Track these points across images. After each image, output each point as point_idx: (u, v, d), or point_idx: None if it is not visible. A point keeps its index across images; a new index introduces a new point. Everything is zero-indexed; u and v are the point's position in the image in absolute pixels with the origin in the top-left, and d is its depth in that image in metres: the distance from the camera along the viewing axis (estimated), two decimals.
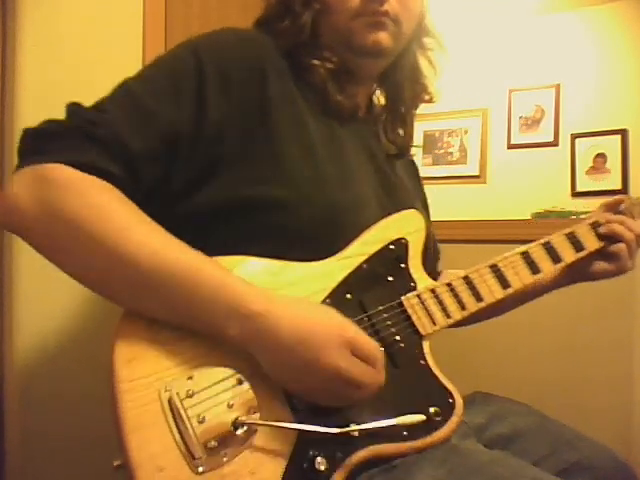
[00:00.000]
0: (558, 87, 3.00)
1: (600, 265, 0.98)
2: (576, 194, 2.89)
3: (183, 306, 0.65)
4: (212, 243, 0.70)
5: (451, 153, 3.23)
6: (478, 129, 3.19)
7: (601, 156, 2.87)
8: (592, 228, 0.96)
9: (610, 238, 0.96)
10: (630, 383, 1.63)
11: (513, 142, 3.11)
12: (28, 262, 1.10)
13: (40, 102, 1.10)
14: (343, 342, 0.65)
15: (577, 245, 0.94)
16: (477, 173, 3.16)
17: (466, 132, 3.22)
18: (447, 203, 3.13)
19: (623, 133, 2.81)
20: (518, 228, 1.67)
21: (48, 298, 1.12)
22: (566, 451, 0.85)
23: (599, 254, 0.97)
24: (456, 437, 0.82)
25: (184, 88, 0.73)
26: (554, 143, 3.00)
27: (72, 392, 1.14)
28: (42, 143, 0.68)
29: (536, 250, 0.91)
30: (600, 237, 0.96)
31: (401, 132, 0.96)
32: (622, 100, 2.83)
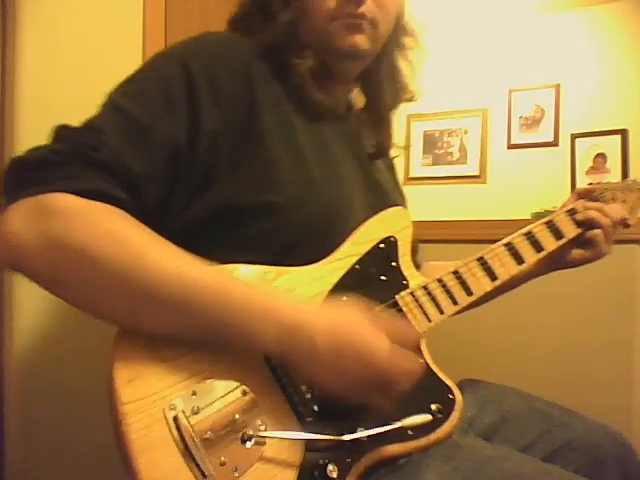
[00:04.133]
0: (558, 87, 3.00)
1: (577, 252, 0.98)
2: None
3: (211, 323, 0.63)
4: (205, 253, 0.68)
5: (451, 153, 3.23)
6: (478, 129, 3.19)
7: (601, 156, 2.87)
8: (569, 215, 0.97)
9: (586, 224, 0.96)
10: (630, 383, 1.62)
11: (513, 142, 3.11)
12: None
13: (40, 102, 1.10)
14: (380, 331, 0.65)
15: (557, 233, 0.95)
16: (477, 173, 3.16)
17: (466, 132, 3.22)
18: (447, 203, 3.14)
19: (623, 133, 2.81)
20: (518, 228, 1.67)
21: (48, 294, 1.12)
22: (559, 430, 0.85)
23: (576, 241, 0.97)
24: (457, 433, 0.83)
25: (176, 102, 0.71)
26: (554, 143, 3.00)
27: (71, 387, 1.13)
28: (38, 173, 0.63)
29: (519, 241, 0.91)
30: (577, 224, 0.96)
31: (380, 132, 0.95)
32: (622, 100, 2.83)
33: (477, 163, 3.17)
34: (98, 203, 0.63)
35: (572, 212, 0.97)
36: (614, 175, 2.84)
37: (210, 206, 0.73)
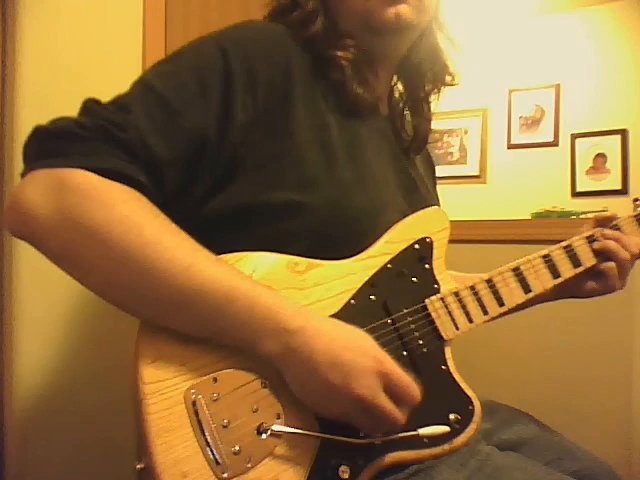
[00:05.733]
0: (558, 87, 3.00)
1: (588, 284, 0.93)
2: (576, 194, 2.89)
3: (214, 322, 0.63)
4: (228, 248, 0.67)
5: (451, 153, 3.24)
6: (478, 129, 3.19)
7: (601, 156, 2.87)
8: (587, 242, 0.91)
9: (602, 255, 0.91)
10: (630, 383, 1.62)
11: (513, 142, 3.11)
12: (28, 261, 1.10)
13: (40, 102, 1.10)
14: (378, 374, 0.63)
15: (575, 261, 0.89)
16: (477, 173, 3.16)
17: (466, 132, 3.22)
18: (447, 203, 3.13)
19: (623, 133, 2.81)
20: (518, 228, 1.66)
21: (49, 296, 1.12)
22: (567, 460, 0.85)
23: (589, 272, 0.91)
24: (472, 441, 0.83)
25: (211, 88, 0.69)
26: (554, 143, 3.00)
27: (73, 393, 1.14)
28: (60, 144, 0.62)
29: (558, 253, 0.88)
30: (594, 253, 0.91)
31: (420, 119, 0.92)
32: (622, 100, 2.84)
33: (477, 163, 3.18)
34: (116, 184, 0.62)
35: (590, 239, 0.91)
36: (614, 175, 2.84)
37: (234, 200, 0.71)
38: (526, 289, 0.84)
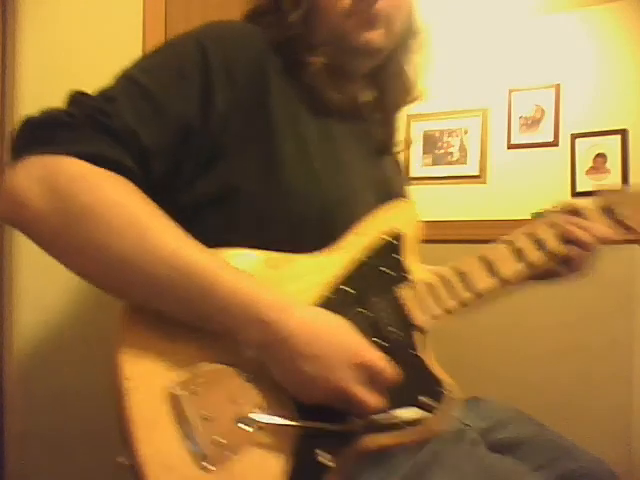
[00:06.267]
0: (558, 87, 3.00)
1: (555, 268, 0.95)
2: (576, 194, 2.89)
3: (198, 307, 0.64)
4: (208, 232, 0.69)
5: (451, 153, 3.23)
6: (478, 129, 3.19)
7: (601, 156, 2.87)
8: (551, 229, 0.94)
9: (568, 240, 0.94)
10: (630, 383, 1.62)
11: (513, 142, 3.11)
12: (28, 257, 1.10)
13: (40, 102, 1.10)
14: (355, 366, 0.66)
15: (542, 246, 0.92)
16: (477, 173, 3.16)
17: (466, 132, 3.22)
18: (447, 203, 3.13)
19: (623, 133, 2.81)
20: (518, 228, 1.66)
21: (48, 291, 1.12)
22: (565, 459, 0.86)
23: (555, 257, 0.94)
24: (468, 442, 0.84)
25: (190, 79, 0.72)
26: (554, 143, 3.00)
27: (71, 385, 1.14)
28: (49, 133, 0.65)
29: (522, 240, 0.91)
30: (559, 238, 0.94)
31: (386, 130, 0.96)
32: (622, 100, 2.83)
33: (477, 163, 3.17)
34: (104, 170, 0.64)
35: (554, 226, 0.94)
36: (614, 175, 2.83)
37: (214, 185, 0.74)
38: (493, 275, 0.86)
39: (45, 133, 0.65)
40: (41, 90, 1.12)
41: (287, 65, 0.80)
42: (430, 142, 3.27)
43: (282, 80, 0.79)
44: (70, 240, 0.63)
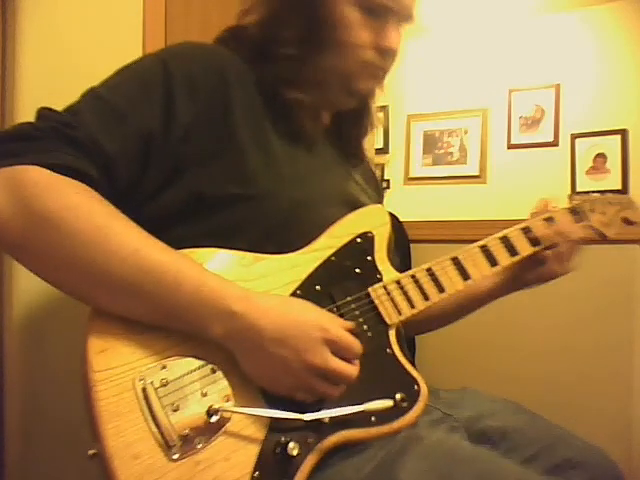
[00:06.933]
0: (558, 87, 3.00)
1: (534, 271, 0.99)
2: (576, 194, 2.89)
3: (163, 305, 0.66)
4: (178, 241, 0.71)
5: (451, 153, 3.23)
6: (478, 129, 3.19)
7: (601, 156, 2.87)
8: (523, 233, 0.96)
9: (540, 243, 0.96)
10: (630, 383, 1.63)
11: (513, 142, 3.11)
12: None
13: (40, 102, 1.10)
14: (325, 342, 0.68)
15: (512, 250, 0.95)
16: (477, 173, 3.16)
17: (466, 132, 3.22)
18: (447, 203, 3.14)
19: (623, 133, 2.82)
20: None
21: (46, 287, 1.12)
22: (558, 447, 0.86)
23: (533, 260, 0.97)
24: (443, 430, 0.84)
25: (153, 92, 0.75)
26: (554, 143, 3.00)
27: (71, 380, 1.14)
28: (14, 145, 0.67)
29: (494, 244, 0.93)
30: (530, 242, 0.96)
31: (350, 143, 0.99)
32: (622, 100, 2.84)
33: (477, 163, 3.17)
34: (68, 178, 0.66)
35: (526, 230, 0.96)
36: (614, 175, 2.84)
37: (182, 194, 0.76)
38: (465, 276, 0.89)
39: (11, 146, 0.67)
40: (41, 90, 1.12)
41: (262, 86, 0.82)
42: (430, 142, 3.27)
43: (246, 90, 0.81)
44: (37, 244, 0.65)
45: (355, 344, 0.71)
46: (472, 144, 3.20)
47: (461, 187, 3.16)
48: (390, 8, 0.83)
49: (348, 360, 0.70)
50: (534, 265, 0.98)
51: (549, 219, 0.98)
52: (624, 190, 2.78)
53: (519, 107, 3.10)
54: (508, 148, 3.12)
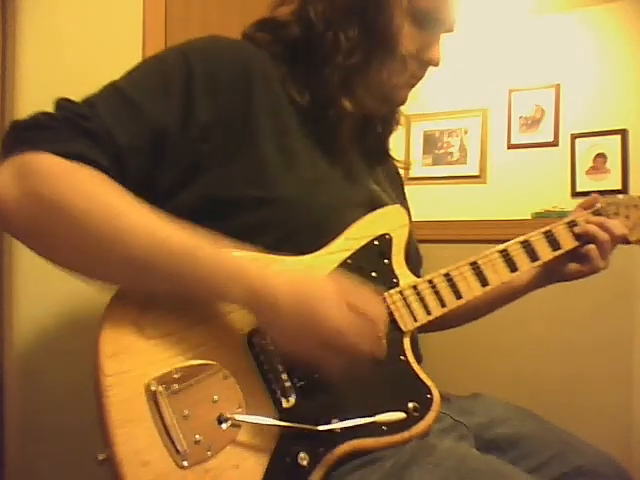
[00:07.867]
0: (558, 87, 3.00)
1: (573, 266, 0.98)
2: (576, 194, 2.89)
3: (184, 278, 0.65)
4: None
5: (451, 153, 3.23)
6: (478, 129, 3.19)
7: (601, 156, 2.87)
8: (568, 227, 0.96)
9: (584, 238, 0.96)
10: (630, 383, 1.63)
11: (513, 142, 3.11)
12: (27, 254, 1.10)
13: (40, 103, 1.10)
14: (341, 298, 0.66)
15: (554, 244, 0.94)
16: (477, 173, 3.16)
17: (466, 132, 3.22)
18: (447, 203, 3.13)
19: (623, 133, 2.81)
20: (518, 228, 1.66)
21: (47, 289, 1.12)
22: (569, 455, 0.85)
23: (572, 254, 0.97)
24: (453, 438, 0.83)
25: (172, 88, 0.74)
26: (554, 143, 3.00)
27: (71, 382, 1.14)
28: (29, 134, 0.68)
29: (515, 248, 0.91)
30: (575, 237, 0.96)
31: (377, 141, 0.99)
32: (622, 100, 2.83)
33: (477, 163, 3.17)
34: (78, 164, 0.66)
35: (572, 224, 0.96)
36: (614, 175, 2.84)
37: (200, 195, 0.76)
38: (483, 282, 0.87)
39: (27, 134, 0.68)
40: (41, 90, 1.12)
41: (290, 85, 0.81)
42: (430, 142, 3.27)
43: (270, 88, 0.79)
44: (50, 230, 0.65)
45: (374, 302, 0.70)
46: (472, 144, 3.20)
47: (461, 187, 3.15)
48: (441, 21, 0.84)
49: (365, 315, 0.68)
50: (577, 260, 0.97)
51: (597, 212, 0.98)
52: (624, 190, 2.78)
53: (519, 107, 3.10)
54: (508, 148, 3.12)
